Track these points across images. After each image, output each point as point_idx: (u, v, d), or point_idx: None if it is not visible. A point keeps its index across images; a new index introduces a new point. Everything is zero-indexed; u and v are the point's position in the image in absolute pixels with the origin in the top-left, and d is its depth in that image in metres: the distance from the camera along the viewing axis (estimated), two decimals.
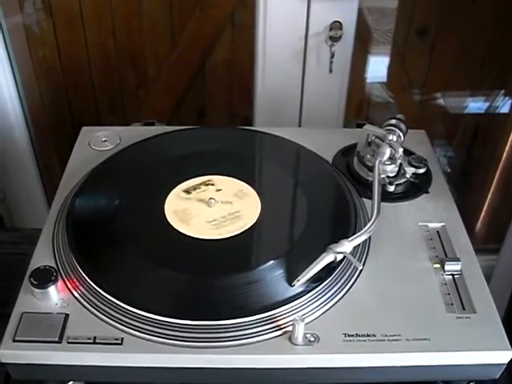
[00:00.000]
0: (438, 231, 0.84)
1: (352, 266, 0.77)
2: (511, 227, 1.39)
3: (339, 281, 0.75)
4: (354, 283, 0.76)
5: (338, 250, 0.74)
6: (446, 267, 0.78)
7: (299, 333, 0.68)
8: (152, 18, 1.27)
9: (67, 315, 0.71)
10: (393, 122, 0.91)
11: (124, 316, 0.71)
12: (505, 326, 0.72)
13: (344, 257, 0.75)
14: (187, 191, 0.87)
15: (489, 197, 1.55)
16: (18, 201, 1.43)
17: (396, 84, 1.39)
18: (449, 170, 1.51)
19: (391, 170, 0.89)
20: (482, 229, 1.59)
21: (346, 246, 0.75)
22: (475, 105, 1.45)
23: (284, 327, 0.70)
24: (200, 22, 1.27)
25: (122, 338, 0.69)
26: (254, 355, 0.69)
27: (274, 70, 1.22)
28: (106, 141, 0.99)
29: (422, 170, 0.91)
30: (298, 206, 0.86)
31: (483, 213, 1.58)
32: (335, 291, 0.74)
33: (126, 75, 1.34)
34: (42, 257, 0.78)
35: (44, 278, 0.73)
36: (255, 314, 0.70)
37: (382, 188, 0.86)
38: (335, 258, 0.74)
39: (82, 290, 0.74)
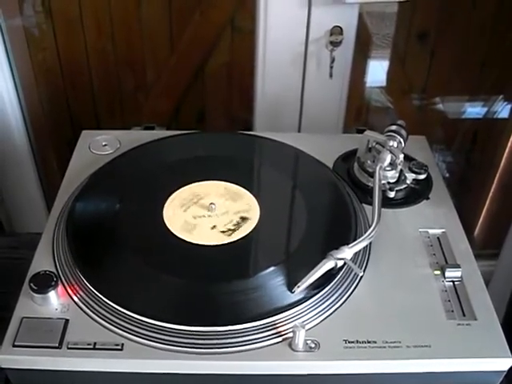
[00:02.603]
0: (438, 237, 0.84)
1: (352, 273, 0.77)
2: (510, 232, 1.39)
3: (340, 287, 0.75)
4: (354, 290, 0.76)
5: (339, 256, 0.74)
6: (447, 274, 0.78)
7: (300, 339, 0.68)
8: (151, 22, 1.26)
9: (67, 320, 0.71)
10: (393, 127, 0.91)
11: (124, 321, 0.71)
12: (504, 331, 0.72)
13: (344, 263, 0.75)
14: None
15: (487, 202, 1.55)
16: (17, 205, 1.42)
17: (395, 89, 1.39)
18: (447, 175, 1.51)
19: (392, 175, 0.89)
20: (481, 234, 1.60)
21: (347, 253, 0.75)
22: (474, 110, 1.45)
23: (284, 334, 0.70)
24: (200, 26, 1.27)
25: (123, 344, 0.69)
26: (255, 361, 0.68)
27: (274, 74, 1.22)
28: (106, 145, 0.99)
29: (422, 176, 0.91)
30: (298, 211, 0.86)
31: (482, 218, 1.58)
32: (336, 298, 0.74)
33: (125, 79, 1.34)
34: (42, 262, 0.78)
35: (44, 282, 0.73)
36: (255, 321, 0.70)
37: (383, 194, 0.86)
38: (335, 265, 0.75)
39: (82, 295, 0.74)
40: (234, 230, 0.81)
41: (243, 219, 0.83)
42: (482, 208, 1.57)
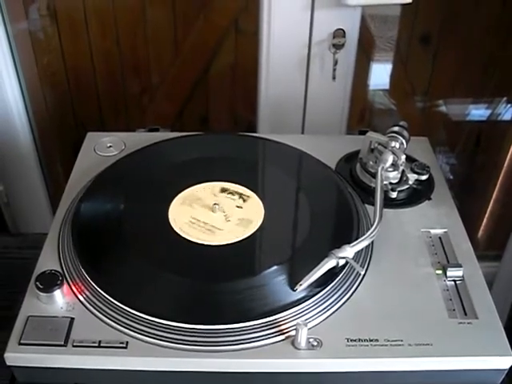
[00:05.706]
0: (440, 237, 0.85)
1: (355, 272, 0.77)
2: None
3: (342, 286, 0.76)
4: (356, 288, 0.76)
5: (341, 255, 0.75)
6: (448, 273, 0.78)
7: (302, 337, 0.69)
8: (156, 25, 1.27)
9: (72, 319, 0.72)
10: (396, 129, 0.91)
11: (129, 320, 0.71)
12: (507, 332, 0.72)
13: (346, 262, 0.76)
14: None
15: (491, 203, 1.56)
16: (22, 206, 1.43)
17: (399, 91, 1.40)
18: (451, 177, 1.51)
19: (394, 176, 0.90)
20: (484, 235, 1.60)
21: (349, 252, 0.75)
22: (478, 112, 1.45)
23: (287, 332, 0.71)
24: (203, 29, 1.28)
25: (127, 342, 0.70)
26: (258, 359, 0.69)
27: (278, 76, 1.23)
28: (110, 146, 1.00)
29: (424, 177, 0.91)
30: (301, 211, 0.87)
31: (485, 219, 1.58)
32: (338, 296, 0.75)
33: (129, 81, 1.35)
34: (48, 261, 0.79)
35: (49, 281, 0.74)
36: (258, 319, 0.71)
37: (385, 194, 0.86)
38: (337, 263, 0.75)
39: (87, 293, 0.74)
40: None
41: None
42: (486, 210, 1.57)
